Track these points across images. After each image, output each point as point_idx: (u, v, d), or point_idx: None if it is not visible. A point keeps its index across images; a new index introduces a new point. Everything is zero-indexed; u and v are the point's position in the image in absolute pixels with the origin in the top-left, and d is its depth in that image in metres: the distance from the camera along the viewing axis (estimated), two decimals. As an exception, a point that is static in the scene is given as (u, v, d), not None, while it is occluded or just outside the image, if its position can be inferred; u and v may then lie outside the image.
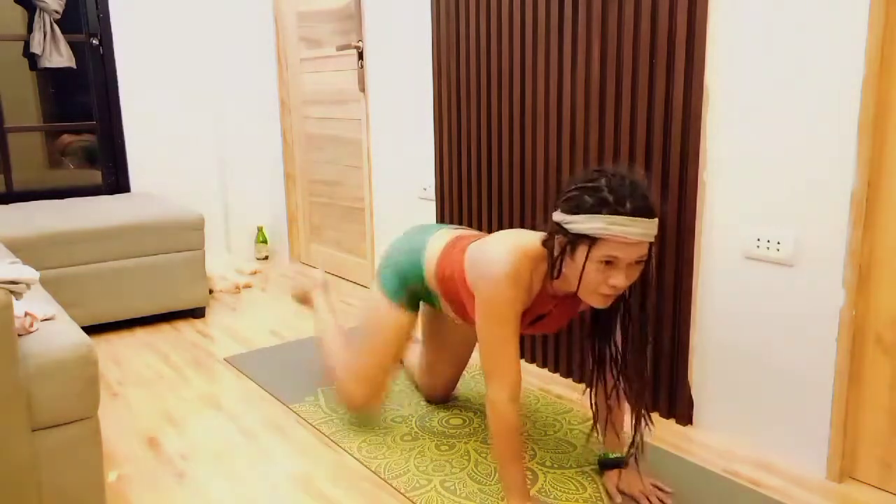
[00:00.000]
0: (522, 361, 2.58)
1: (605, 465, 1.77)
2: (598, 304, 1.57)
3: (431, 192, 2.92)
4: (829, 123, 1.67)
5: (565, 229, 1.53)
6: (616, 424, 1.77)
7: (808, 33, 1.67)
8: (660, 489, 1.73)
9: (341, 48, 3.27)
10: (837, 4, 1.61)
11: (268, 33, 3.88)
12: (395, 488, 1.78)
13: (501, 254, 1.62)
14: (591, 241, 1.48)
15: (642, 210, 1.46)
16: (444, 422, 2.12)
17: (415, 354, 2.36)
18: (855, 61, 1.60)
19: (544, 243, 1.62)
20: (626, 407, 1.75)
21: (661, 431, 2.05)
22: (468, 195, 2.70)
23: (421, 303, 2.03)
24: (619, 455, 1.76)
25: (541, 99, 2.33)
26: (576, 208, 1.50)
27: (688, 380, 2.06)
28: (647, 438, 1.71)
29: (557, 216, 1.55)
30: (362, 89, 3.24)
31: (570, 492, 1.75)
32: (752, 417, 1.94)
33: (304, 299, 2.50)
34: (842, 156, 1.65)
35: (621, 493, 1.72)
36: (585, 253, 1.50)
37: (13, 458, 1.42)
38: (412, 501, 1.72)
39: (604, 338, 1.71)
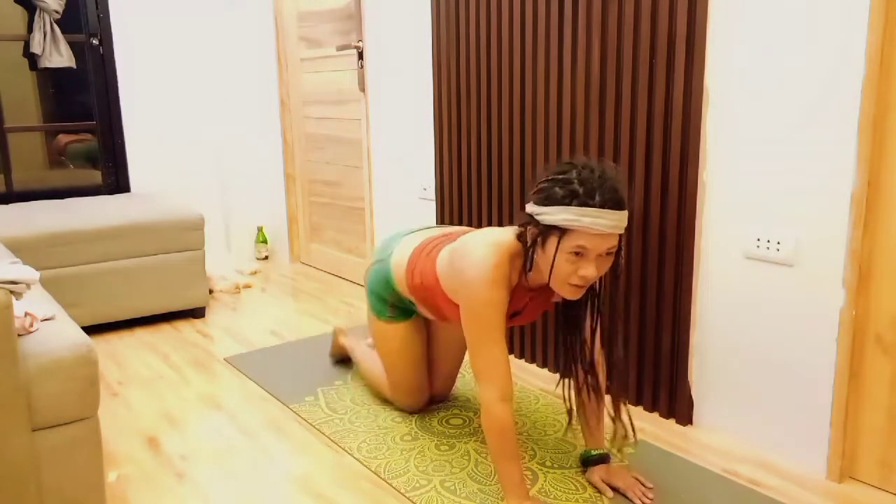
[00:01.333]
0: (522, 361, 2.58)
1: (589, 461, 1.79)
2: (570, 295, 1.59)
3: (431, 192, 2.92)
4: (829, 123, 1.67)
5: (536, 220, 1.55)
6: (593, 420, 1.79)
7: (808, 33, 1.67)
8: (642, 483, 1.74)
9: (341, 48, 3.27)
10: (837, 5, 1.61)
11: (268, 33, 3.88)
12: (395, 488, 1.78)
13: (481, 257, 1.63)
14: (560, 232, 1.51)
15: (611, 202, 1.49)
16: (444, 422, 2.12)
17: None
18: (855, 61, 1.60)
19: (518, 237, 1.65)
20: (605, 400, 1.77)
21: (661, 431, 2.05)
22: (468, 195, 2.70)
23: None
24: (601, 451, 1.78)
25: (541, 99, 2.33)
26: (546, 199, 1.52)
27: (688, 380, 2.06)
28: (631, 430, 1.73)
29: (530, 207, 1.58)
30: (362, 89, 3.24)
31: (570, 492, 1.75)
32: (752, 417, 1.94)
33: (340, 351, 2.55)
34: (842, 156, 1.65)
35: (607, 485, 1.74)
36: (556, 244, 1.52)
37: (13, 458, 1.42)
38: (412, 501, 1.72)
39: (572, 331, 1.74)
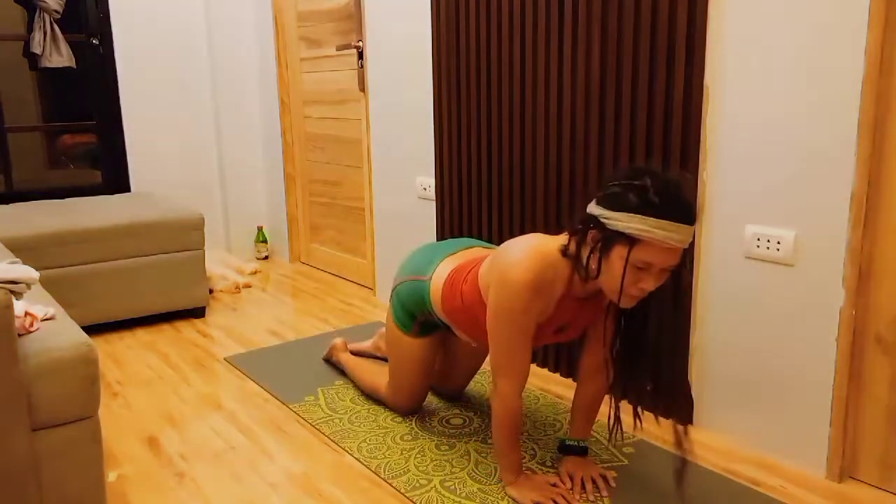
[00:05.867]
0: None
1: (567, 450, 1.83)
2: (625, 304, 1.56)
3: (431, 192, 2.92)
4: (829, 123, 1.67)
5: (603, 224, 1.48)
6: (589, 410, 1.83)
7: (808, 33, 1.67)
8: (604, 478, 1.76)
9: (341, 48, 3.27)
10: (837, 4, 1.61)
11: (268, 33, 3.88)
12: (395, 488, 1.78)
13: (521, 259, 1.58)
14: (631, 241, 1.45)
15: (686, 216, 1.44)
16: (444, 422, 2.12)
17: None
18: (855, 61, 1.60)
19: (571, 236, 1.59)
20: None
21: (661, 431, 2.05)
22: (468, 195, 2.70)
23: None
24: (575, 442, 1.82)
25: (541, 99, 2.33)
26: (619, 205, 1.45)
27: (688, 380, 2.06)
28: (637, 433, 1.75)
29: (595, 209, 1.51)
30: (362, 89, 3.24)
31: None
32: (752, 417, 1.94)
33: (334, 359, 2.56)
34: (842, 156, 1.65)
35: (570, 477, 1.76)
36: (624, 254, 1.46)
37: (13, 458, 1.42)
38: (412, 501, 1.72)
39: (633, 336, 1.69)
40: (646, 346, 1.67)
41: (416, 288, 1.95)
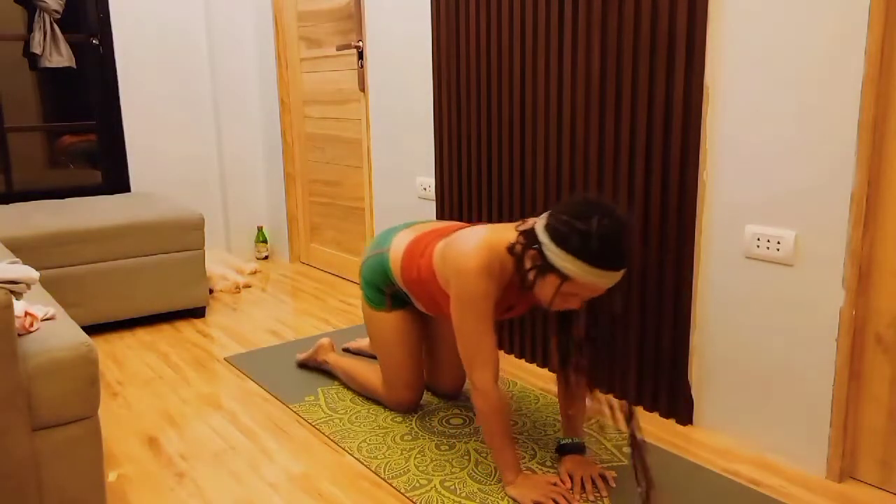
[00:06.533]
0: (522, 361, 2.58)
1: (563, 449, 1.84)
2: (555, 309, 1.70)
3: (431, 192, 2.92)
4: (829, 123, 1.67)
5: (543, 253, 1.59)
6: (572, 409, 1.85)
7: (808, 33, 1.68)
8: (603, 478, 1.77)
9: (341, 48, 3.27)
10: (837, 4, 1.61)
11: (268, 33, 3.88)
12: (395, 488, 1.78)
13: (472, 250, 1.70)
14: (563, 277, 1.57)
15: (618, 264, 1.55)
16: (444, 422, 2.12)
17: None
18: (855, 61, 1.60)
19: (510, 248, 1.68)
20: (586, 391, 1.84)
21: (661, 431, 2.05)
22: (468, 195, 2.70)
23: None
24: (570, 440, 1.84)
25: (541, 99, 2.33)
26: (561, 242, 1.55)
27: (688, 380, 2.06)
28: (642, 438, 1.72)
29: (542, 235, 1.60)
30: (362, 89, 3.24)
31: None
32: (752, 417, 1.94)
33: (313, 362, 2.50)
34: (842, 156, 1.65)
35: (570, 477, 1.77)
36: (556, 283, 1.59)
37: (13, 458, 1.42)
38: (412, 501, 1.72)
39: (566, 330, 1.80)
40: (590, 336, 1.77)
41: (377, 261, 2.05)
